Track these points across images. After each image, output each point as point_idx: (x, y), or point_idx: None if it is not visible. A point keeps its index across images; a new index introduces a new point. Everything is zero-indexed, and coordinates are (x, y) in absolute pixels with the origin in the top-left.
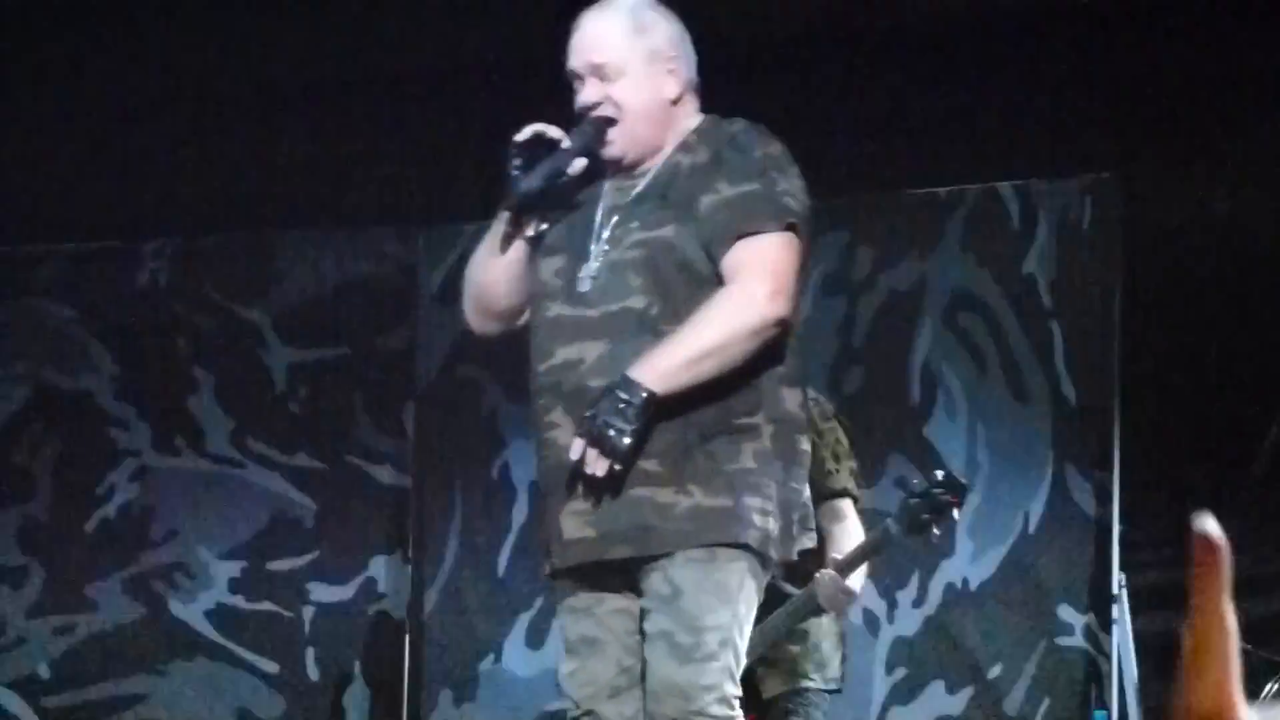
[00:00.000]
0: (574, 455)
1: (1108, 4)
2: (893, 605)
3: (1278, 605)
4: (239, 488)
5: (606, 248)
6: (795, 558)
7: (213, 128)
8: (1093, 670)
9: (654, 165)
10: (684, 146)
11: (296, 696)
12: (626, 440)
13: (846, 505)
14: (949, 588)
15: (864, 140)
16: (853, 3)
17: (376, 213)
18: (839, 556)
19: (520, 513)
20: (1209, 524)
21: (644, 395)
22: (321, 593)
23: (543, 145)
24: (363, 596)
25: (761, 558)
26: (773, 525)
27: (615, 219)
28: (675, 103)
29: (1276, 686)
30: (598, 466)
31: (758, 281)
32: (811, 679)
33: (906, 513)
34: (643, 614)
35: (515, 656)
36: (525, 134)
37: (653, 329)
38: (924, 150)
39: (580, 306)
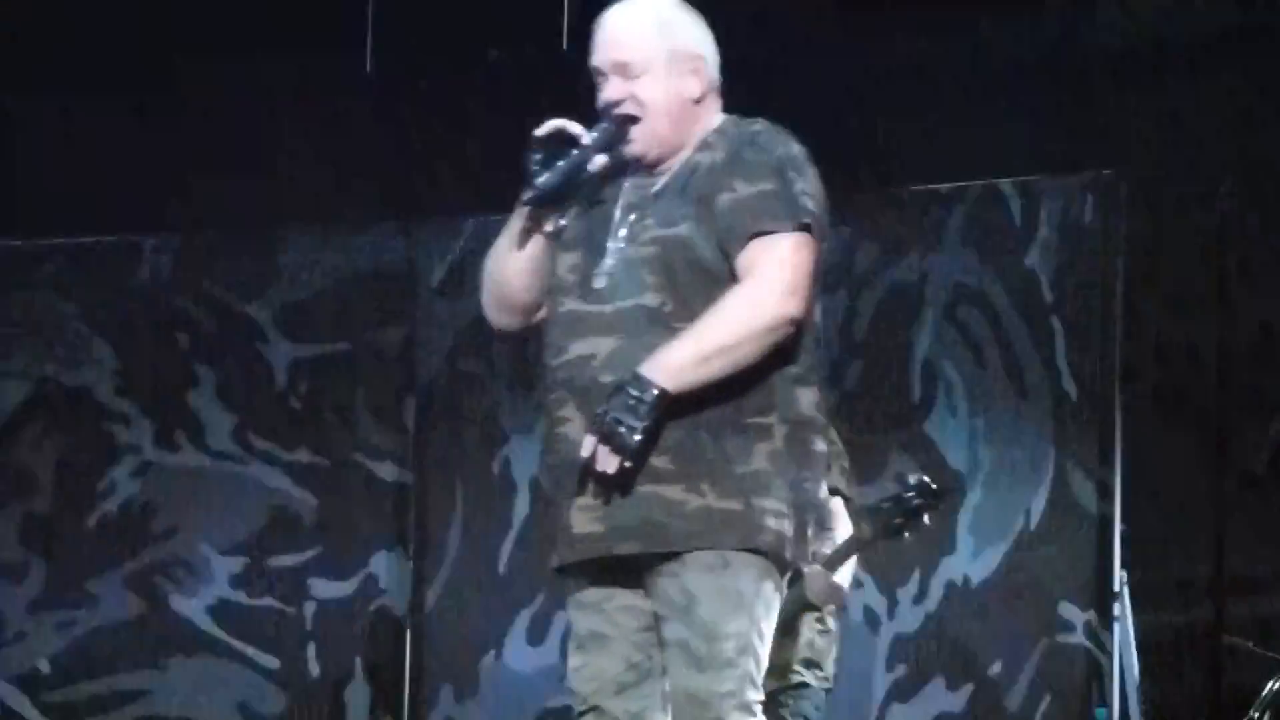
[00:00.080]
0: (585, 452)
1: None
2: (893, 602)
3: (1278, 604)
4: (240, 483)
5: (622, 244)
6: (812, 559)
7: (214, 123)
8: (1094, 668)
9: (674, 164)
10: (704, 145)
11: (297, 692)
12: (637, 437)
13: (836, 504)
14: (950, 585)
15: (865, 136)
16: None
17: (377, 208)
18: (827, 552)
19: (521, 508)
20: None
21: (655, 392)
22: (322, 588)
23: (563, 141)
24: (363, 592)
25: (777, 560)
26: (786, 527)
27: (633, 216)
28: (698, 102)
29: (1277, 685)
30: (608, 463)
31: (771, 280)
32: (802, 675)
33: (878, 516)
34: (659, 621)
35: (516, 652)
36: (545, 130)
37: (666, 326)
38: (926, 146)
39: (594, 302)
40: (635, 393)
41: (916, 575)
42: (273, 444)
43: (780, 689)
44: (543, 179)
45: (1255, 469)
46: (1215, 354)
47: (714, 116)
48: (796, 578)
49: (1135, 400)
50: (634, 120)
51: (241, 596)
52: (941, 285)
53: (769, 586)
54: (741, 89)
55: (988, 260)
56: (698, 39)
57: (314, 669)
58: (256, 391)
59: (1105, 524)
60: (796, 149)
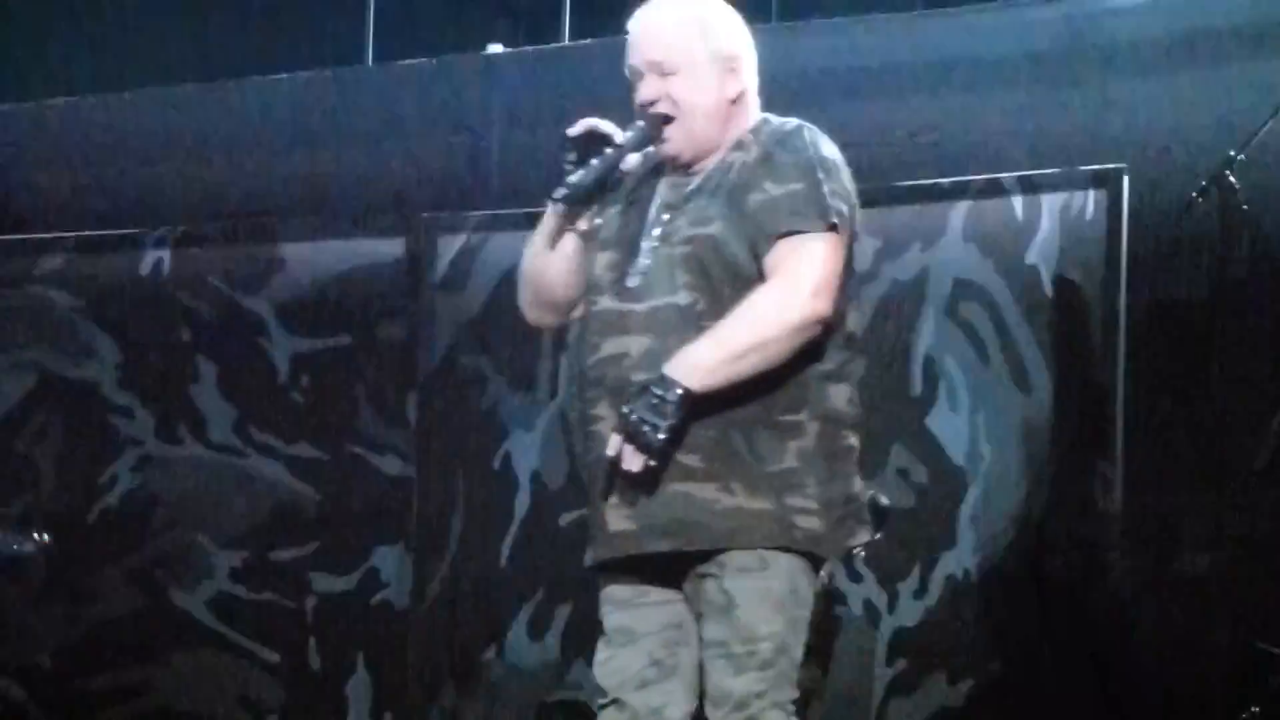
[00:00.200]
0: (610, 451)
1: None
2: (894, 596)
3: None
4: (241, 477)
5: (656, 244)
6: (849, 552)
7: (216, 116)
8: None
9: (710, 163)
10: (739, 145)
11: (298, 686)
12: (661, 436)
13: None
14: (950, 579)
15: (866, 131)
16: None
17: (379, 202)
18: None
19: (522, 503)
20: None
21: (679, 392)
22: (323, 582)
23: (596, 140)
24: (365, 586)
25: (810, 558)
26: (817, 524)
27: (667, 215)
28: (734, 102)
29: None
30: (633, 462)
31: (798, 280)
32: None
33: None
34: (698, 619)
35: (517, 647)
36: (579, 128)
37: (697, 325)
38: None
39: (627, 301)
40: (660, 392)
41: (917, 569)
42: (274, 437)
43: None
44: (576, 177)
45: (1256, 465)
46: (1217, 349)
47: (750, 116)
48: None
49: (1137, 396)
50: (669, 120)
51: (242, 590)
52: (943, 279)
53: (804, 584)
54: None
55: (989, 254)
56: (734, 38)
57: (315, 663)
58: (258, 385)
59: (1107, 519)
60: (828, 150)
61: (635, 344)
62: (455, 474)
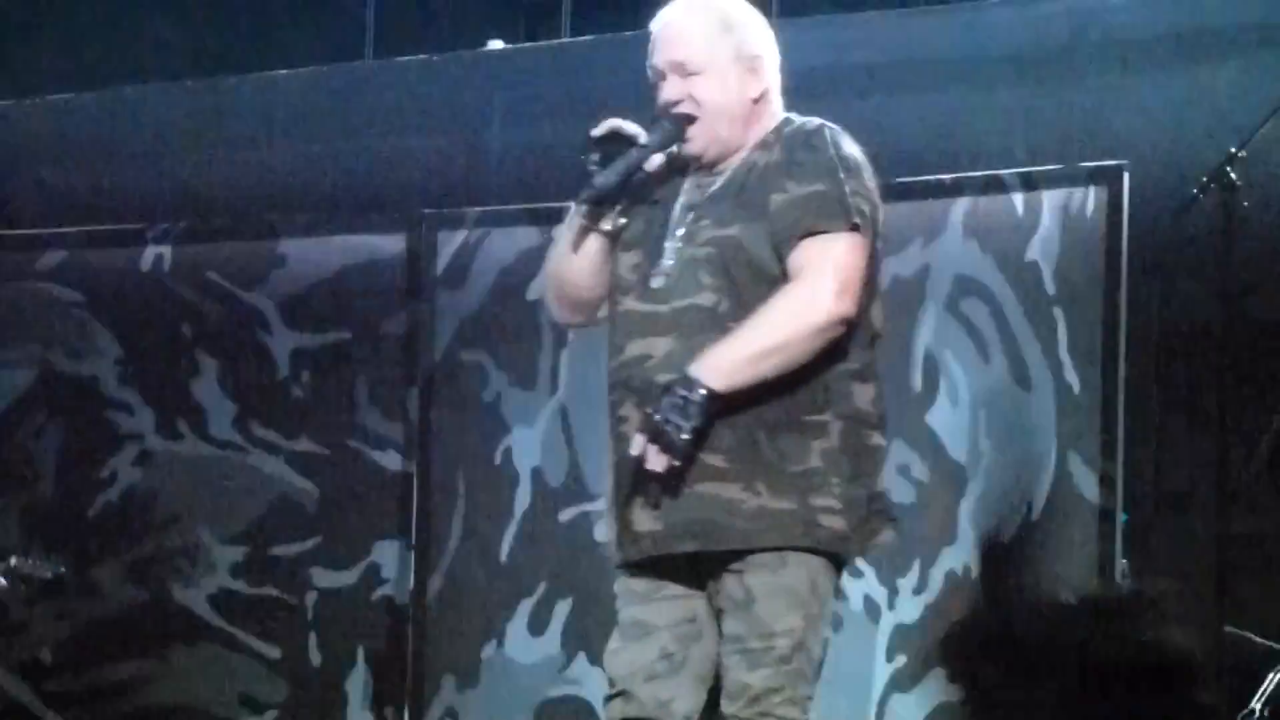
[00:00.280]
0: (634, 451)
1: None
2: (893, 592)
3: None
4: (242, 473)
5: (680, 244)
6: (873, 551)
7: (217, 112)
8: None
9: (733, 163)
10: (762, 145)
11: (299, 682)
12: (685, 437)
13: None
14: (950, 575)
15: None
16: None
17: (380, 197)
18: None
19: (523, 499)
20: None
21: (703, 393)
22: (324, 578)
23: (619, 141)
24: (366, 582)
25: (833, 557)
26: (840, 523)
27: (691, 216)
28: (757, 102)
29: (1278, 677)
30: (657, 463)
31: (820, 280)
32: None
33: None
34: (719, 615)
35: (518, 643)
36: (602, 129)
37: (721, 326)
38: (927, 136)
39: (652, 302)
40: (684, 393)
41: (917, 565)
42: (274, 433)
43: None
44: (600, 178)
45: (1257, 461)
46: (1218, 346)
47: (773, 115)
48: None
49: (1138, 392)
50: (692, 120)
51: (243, 586)
52: (943, 276)
53: (825, 583)
54: None
55: (989, 251)
56: (756, 38)
57: (315, 658)
58: (259, 380)
59: (1107, 515)
60: (850, 149)
61: (660, 345)
62: (456, 470)
